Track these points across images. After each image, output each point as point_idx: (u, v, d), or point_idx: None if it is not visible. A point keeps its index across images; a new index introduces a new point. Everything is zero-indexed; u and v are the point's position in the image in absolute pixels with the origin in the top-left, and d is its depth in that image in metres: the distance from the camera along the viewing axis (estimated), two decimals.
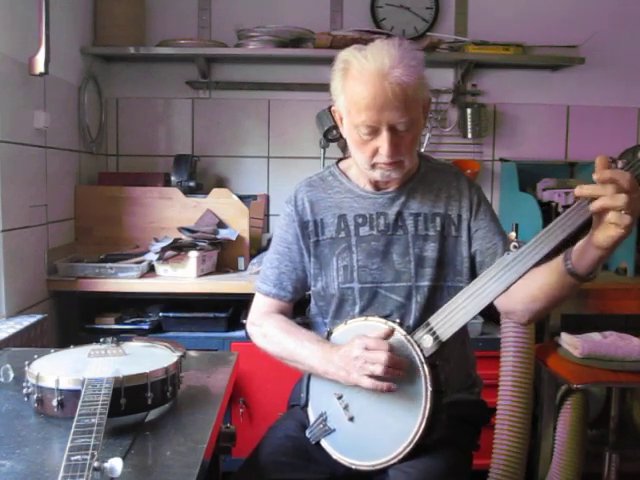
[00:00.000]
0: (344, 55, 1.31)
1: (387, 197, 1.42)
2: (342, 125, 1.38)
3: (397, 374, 1.19)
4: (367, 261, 1.40)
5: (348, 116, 1.32)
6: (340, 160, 1.52)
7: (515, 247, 1.16)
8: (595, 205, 1.01)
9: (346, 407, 1.29)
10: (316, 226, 1.44)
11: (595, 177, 1.01)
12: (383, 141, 1.28)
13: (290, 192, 1.49)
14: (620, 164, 1.06)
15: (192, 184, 2.59)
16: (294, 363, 1.36)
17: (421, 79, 1.27)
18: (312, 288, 1.47)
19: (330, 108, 1.41)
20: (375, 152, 1.31)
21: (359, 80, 1.26)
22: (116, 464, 0.79)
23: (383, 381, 1.19)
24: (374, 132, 1.29)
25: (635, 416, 2.45)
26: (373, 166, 1.33)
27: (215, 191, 2.53)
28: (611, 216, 1.01)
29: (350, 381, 1.23)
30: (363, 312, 1.38)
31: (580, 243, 1.13)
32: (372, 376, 1.19)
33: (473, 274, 1.39)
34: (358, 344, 1.22)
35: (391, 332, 1.24)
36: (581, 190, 1.03)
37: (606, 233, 1.03)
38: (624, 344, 1.99)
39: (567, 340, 2.05)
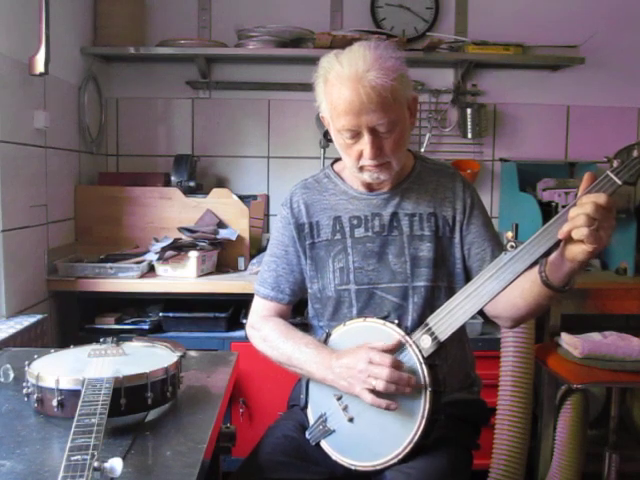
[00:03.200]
0: (323, 62, 1.33)
1: (381, 198, 1.42)
2: (330, 130, 1.39)
3: (401, 391, 1.18)
4: (363, 262, 1.40)
5: (331, 121, 1.34)
6: (335, 161, 1.52)
7: (512, 247, 1.16)
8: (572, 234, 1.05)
9: (345, 408, 1.29)
10: (312, 228, 1.44)
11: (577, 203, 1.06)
12: (365, 144, 1.29)
13: (286, 195, 1.50)
14: (615, 163, 1.08)
15: (192, 184, 2.59)
16: (292, 368, 1.36)
17: (399, 79, 1.26)
18: (309, 290, 1.48)
19: (319, 115, 1.42)
20: (360, 155, 1.31)
21: (336, 86, 1.27)
22: (116, 464, 0.79)
23: (385, 397, 1.18)
24: (356, 135, 1.29)
25: (635, 416, 2.45)
26: (361, 169, 1.34)
27: (215, 191, 2.53)
28: (575, 232, 1.04)
29: (352, 393, 1.23)
30: (360, 314, 1.38)
31: (554, 255, 1.14)
32: (374, 391, 1.19)
33: (467, 276, 1.40)
34: (363, 357, 1.21)
35: (398, 345, 1.23)
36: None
37: (580, 247, 1.06)
38: (624, 344, 1.99)
39: (567, 340, 2.05)
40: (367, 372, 1.19)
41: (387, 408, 1.19)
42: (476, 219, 1.42)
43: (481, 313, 1.28)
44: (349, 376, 1.23)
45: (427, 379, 1.20)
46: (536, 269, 1.18)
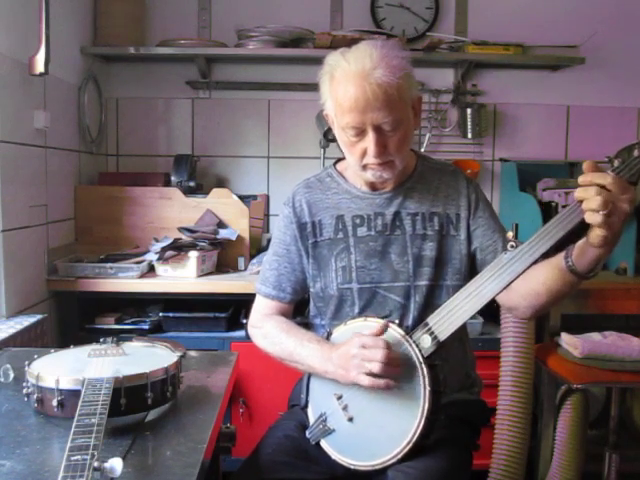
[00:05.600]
0: (329, 59, 1.33)
1: (384, 197, 1.42)
2: (334, 128, 1.39)
3: (395, 371, 1.19)
4: (365, 261, 1.40)
5: (336, 119, 1.34)
6: (338, 161, 1.52)
7: (512, 246, 1.17)
8: (582, 207, 1.04)
9: (345, 407, 1.29)
10: (314, 227, 1.44)
11: (578, 181, 1.04)
12: (370, 142, 1.29)
13: (288, 194, 1.50)
14: (616, 162, 1.08)
15: (192, 184, 2.59)
16: (294, 363, 1.37)
17: (405, 78, 1.27)
18: (311, 289, 1.48)
19: (322, 112, 1.42)
20: (364, 153, 1.31)
21: (342, 83, 1.28)
22: (116, 464, 0.79)
23: (381, 378, 1.19)
24: (361, 133, 1.29)
25: (635, 416, 2.45)
26: (364, 167, 1.34)
27: (215, 191, 2.53)
28: (589, 217, 1.03)
29: (349, 380, 1.23)
30: (362, 312, 1.38)
31: (581, 241, 1.14)
32: (370, 374, 1.19)
33: (472, 273, 1.39)
34: (356, 342, 1.22)
35: (385, 327, 1.23)
36: (574, 194, 1.06)
37: (595, 232, 1.06)
38: (624, 344, 1.99)
39: (567, 340, 2.05)
40: (361, 356, 1.20)
41: (386, 387, 1.19)
42: (482, 212, 1.43)
43: (485, 312, 1.28)
44: (344, 363, 1.23)
45: (427, 379, 1.20)
46: (560, 256, 1.18)
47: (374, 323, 1.29)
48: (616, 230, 1.05)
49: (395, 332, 1.25)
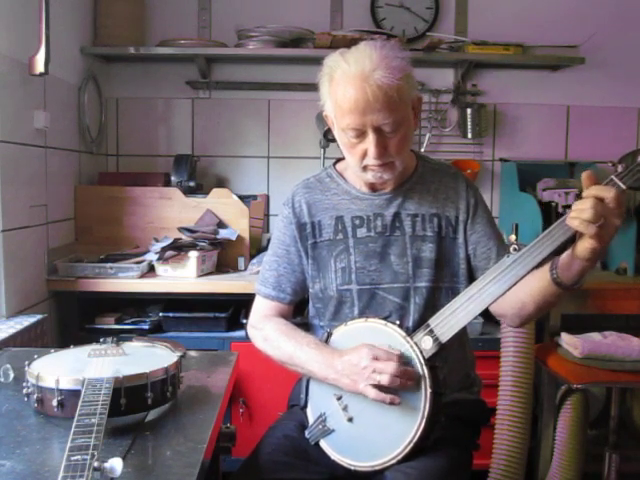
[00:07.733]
0: (328, 60, 1.33)
1: (384, 198, 1.42)
2: (334, 129, 1.39)
3: (405, 384, 1.19)
4: (365, 262, 1.40)
5: (335, 120, 1.34)
6: (337, 161, 1.52)
7: (515, 249, 1.17)
8: (575, 215, 1.06)
9: (345, 408, 1.29)
10: (313, 228, 1.44)
11: (583, 194, 1.06)
12: (370, 143, 1.28)
13: (287, 194, 1.50)
14: (620, 168, 1.08)
15: (192, 184, 2.59)
16: (294, 367, 1.36)
17: (405, 79, 1.27)
18: (310, 290, 1.47)
19: (322, 113, 1.41)
20: (364, 154, 1.31)
21: (342, 84, 1.27)
22: (116, 464, 0.79)
23: (389, 392, 1.19)
24: (361, 135, 1.29)
25: (635, 416, 2.45)
26: (364, 168, 1.34)
27: (215, 191, 2.53)
28: (581, 226, 1.04)
29: (355, 390, 1.23)
30: (362, 314, 1.38)
31: (566, 254, 1.15)
32: (377, 386, 1.19)
33: (470, 276, 1.40)
34: (367, 354, 1.22)
35: (402, 356, 1.23)
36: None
37: (583, 244, 1.07)
38: (624, 344, 1.99)
39: (567, 340, 2.05)
40: (372, 367, 1.20)
41: (391, 402, 1.19)
42: (480, 218, 1.43)
43: (485, 312, 1.28)
44: (353, 373, 1.23)
45: (428, 380, 1.20)
46: (546, 267, 1.18)
47: (375, 324, 1.29)
48: (606, 243, 1.06)
49: (396, 333, 1.25)
